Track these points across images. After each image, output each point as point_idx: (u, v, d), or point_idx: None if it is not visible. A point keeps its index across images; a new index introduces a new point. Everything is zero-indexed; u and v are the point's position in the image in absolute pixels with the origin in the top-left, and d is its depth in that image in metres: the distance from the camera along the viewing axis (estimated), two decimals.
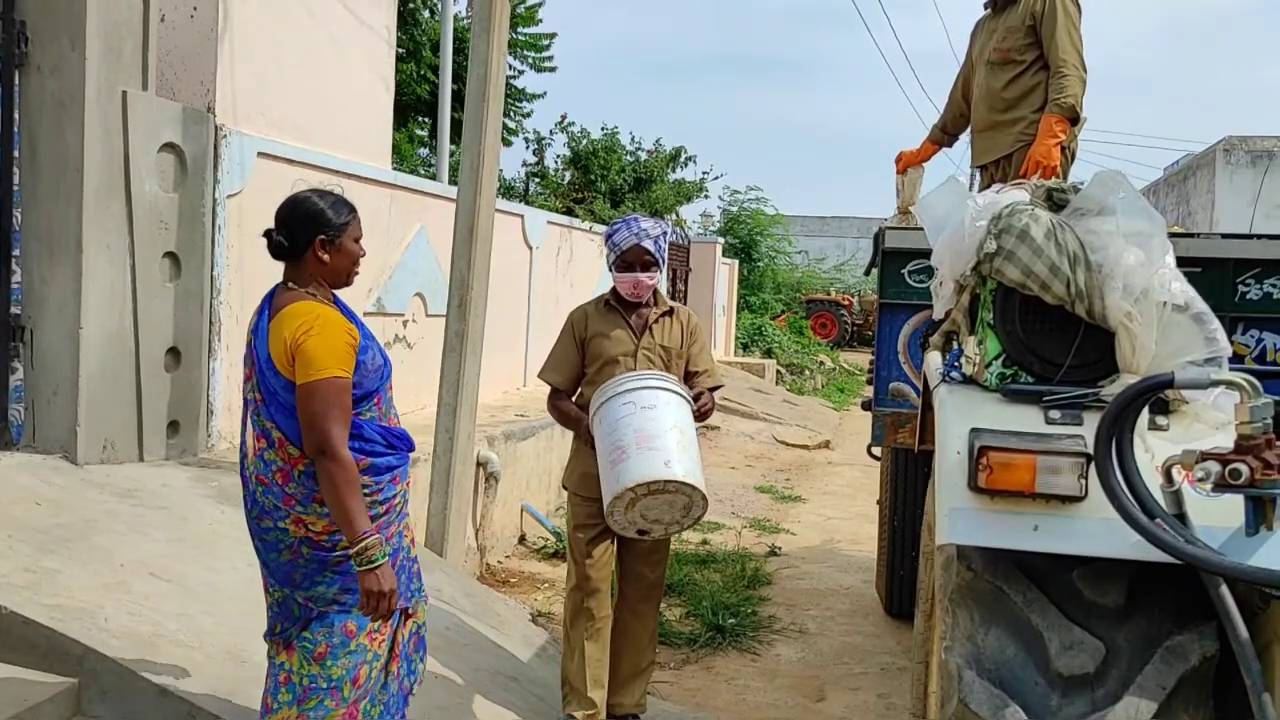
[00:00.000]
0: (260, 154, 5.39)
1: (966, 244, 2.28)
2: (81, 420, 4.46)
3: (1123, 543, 1.92)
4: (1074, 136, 4.79)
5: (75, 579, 3.54)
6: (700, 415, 3.73)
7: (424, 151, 14.16)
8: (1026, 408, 2.19)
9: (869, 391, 5.48)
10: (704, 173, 14.81)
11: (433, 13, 13.14)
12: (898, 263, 4.23)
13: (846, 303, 31.00)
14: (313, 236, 2.71)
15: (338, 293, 2.87)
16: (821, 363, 21.54)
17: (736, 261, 20.51)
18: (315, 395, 2.59)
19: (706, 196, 16.00)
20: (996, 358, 2.29)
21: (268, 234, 2.76)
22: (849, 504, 9.41)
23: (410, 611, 2.89)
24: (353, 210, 2.81)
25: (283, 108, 5.69)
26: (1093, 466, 1.93)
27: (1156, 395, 1.95)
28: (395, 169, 7.76)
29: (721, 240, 18.84)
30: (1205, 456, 1.77)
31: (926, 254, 4.20)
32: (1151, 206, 2.25)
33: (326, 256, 2.74)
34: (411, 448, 2.89)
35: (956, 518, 2.02)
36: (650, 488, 3.35)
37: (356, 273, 2.86)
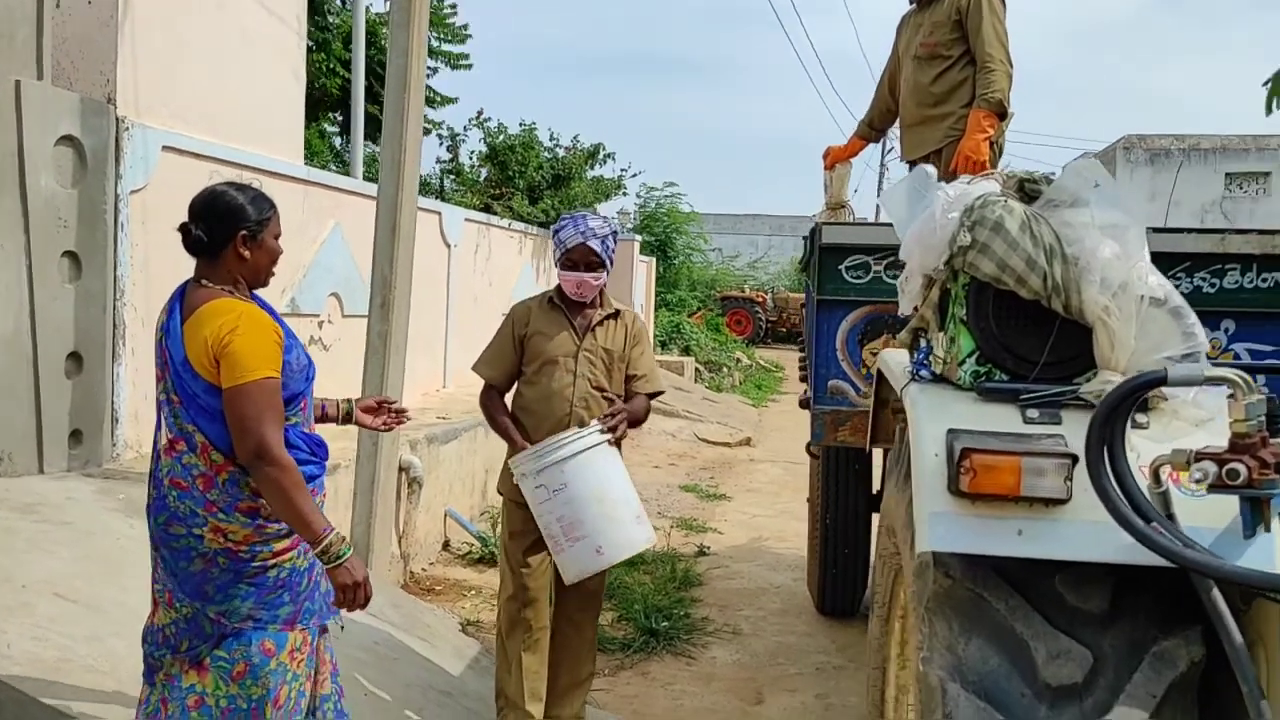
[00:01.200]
0: (165, 147, 5.12)
1: (938, 237, 2.19)
2: None
3: (1110, 546, 1.86)
4: (1002, 131, 4.81)
5: None
6: (622, 429, 3.69)
7: (338, 144, 13.80)
8: (1002, 406, 2.12)
9: (801, 387, 5.45)
10: (622, 170, 14.64)
11: (344, 2, 12.77)
12: (835, 259, 4.17)
13: (760, 299, 31.26)
14: (233, 232, 2.56)
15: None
16: (739, 360, 21.61)
17: (654, 259, 20.45)
18: (247, 398, 2.45)
19: (625, 194, 15.87)
20: (970, 355, 2.21)
21: (184, 228, 2.59)
22: (773, 501, 9.41)
23: (326, 628, 2.76)
24: (273, 205, 2.68)
25: (188, 99, 5.42)
26: (1078, 468, 1.88)
27: (1148, 393, 1.91)
28: (306, 165, 7.49)
29: (639, 238, 18.75)
30: (1200, 456, 1.72)
31: (864, 250, 4.19)
32: (1127, 198, 2.20)
33: (248, 253, 2.59)
34: (327, 456, 2.76)
35: (938, 523, 1.94)
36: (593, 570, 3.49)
37: (273, 272, 2.72)
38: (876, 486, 5.69)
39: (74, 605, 3.48)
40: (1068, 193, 2.18)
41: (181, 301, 2.58)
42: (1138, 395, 1.83)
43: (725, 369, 19.64)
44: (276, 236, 2.67)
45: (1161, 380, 1.81)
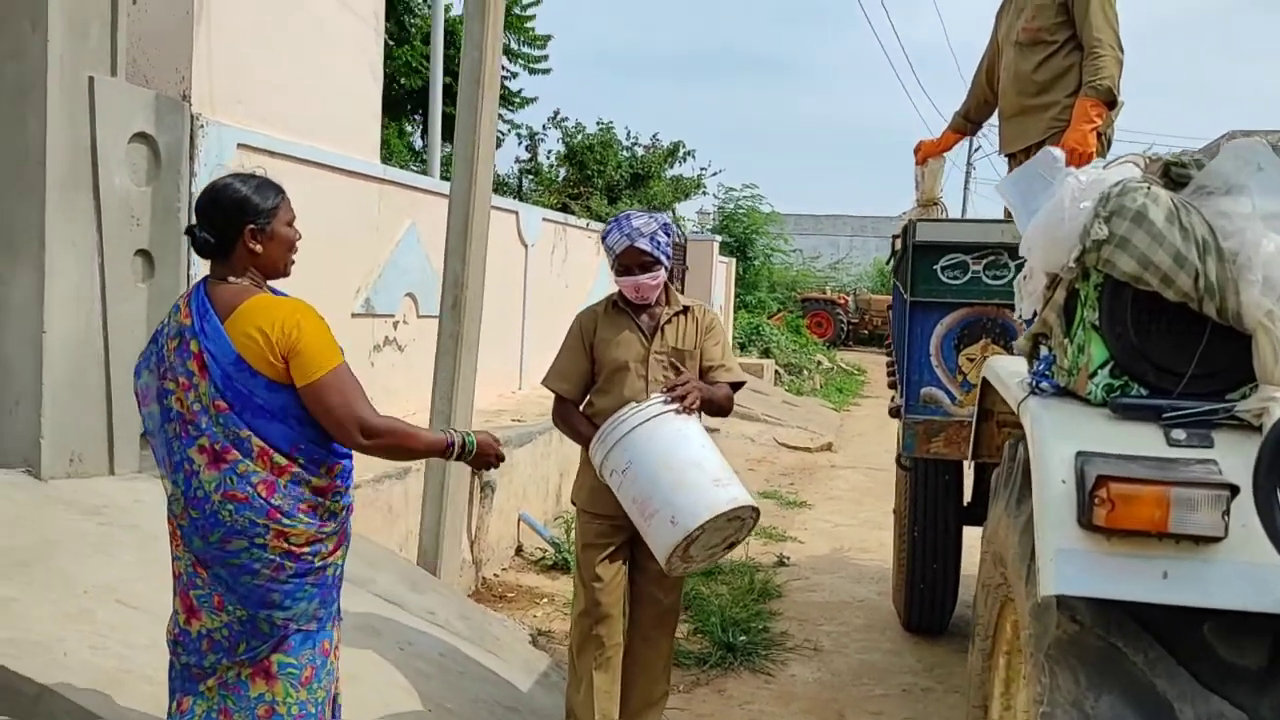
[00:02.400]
0: (240, 145, 5.06)
1: (1066, 229, 1.93)
2: (46, 432, 4.13)
3: (1277, 593, 1.61)
4: (1110, 121, 4.48)
5: (33, 608, 3.22)
6: (692, 398, 3.41)
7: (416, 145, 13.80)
8: (1142, 426, 1.84)
9: (889, 394, 5.18)
10: (702, 169, 14.33)
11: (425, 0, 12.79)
12: (929, 258, 3.90)
13: (842, 301, 30.80)
14: (240, 227, 2.46)
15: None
16: (819, 362, 21.24)
17: (733, 259, 20.21)
18: (330, 389, 2.41)
19: (705, 193, 15.61)
20: (1102, 366, 1.95)
21: (190, 231, 2.50)
22: (856, 510, 9.12)
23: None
24: (280, 192, 2.55)
25: (264, 97, 5.36)
26: (1236, 500, 1.62)
27: None
28: (384, 164, 7.43)
29: (718, 238, 18.55)
30: None
31: (962, 248, 3.93)
32: None
33: (258, 247, 2.48)
34: None
35: (1066, 562, 1.68)
36: (682, 547, 3.19)
37: (293, 261, 2.60)
38: (968, 498, 5.41)
39: (135, 612, 3.39)
40: (1224, 178, 1.88)
41: (209, 300, 2.47)
42: None
43: (806, 372, 19.31)
44: (289, 223, 2.56)
45: None
